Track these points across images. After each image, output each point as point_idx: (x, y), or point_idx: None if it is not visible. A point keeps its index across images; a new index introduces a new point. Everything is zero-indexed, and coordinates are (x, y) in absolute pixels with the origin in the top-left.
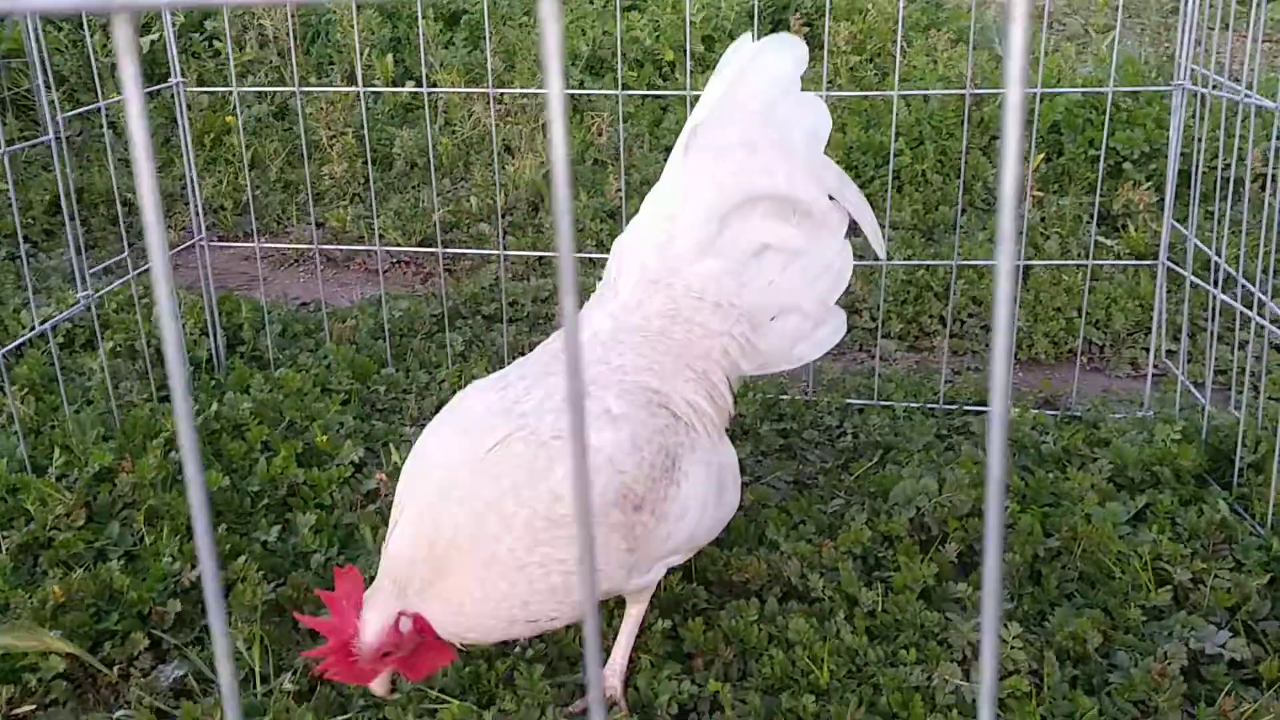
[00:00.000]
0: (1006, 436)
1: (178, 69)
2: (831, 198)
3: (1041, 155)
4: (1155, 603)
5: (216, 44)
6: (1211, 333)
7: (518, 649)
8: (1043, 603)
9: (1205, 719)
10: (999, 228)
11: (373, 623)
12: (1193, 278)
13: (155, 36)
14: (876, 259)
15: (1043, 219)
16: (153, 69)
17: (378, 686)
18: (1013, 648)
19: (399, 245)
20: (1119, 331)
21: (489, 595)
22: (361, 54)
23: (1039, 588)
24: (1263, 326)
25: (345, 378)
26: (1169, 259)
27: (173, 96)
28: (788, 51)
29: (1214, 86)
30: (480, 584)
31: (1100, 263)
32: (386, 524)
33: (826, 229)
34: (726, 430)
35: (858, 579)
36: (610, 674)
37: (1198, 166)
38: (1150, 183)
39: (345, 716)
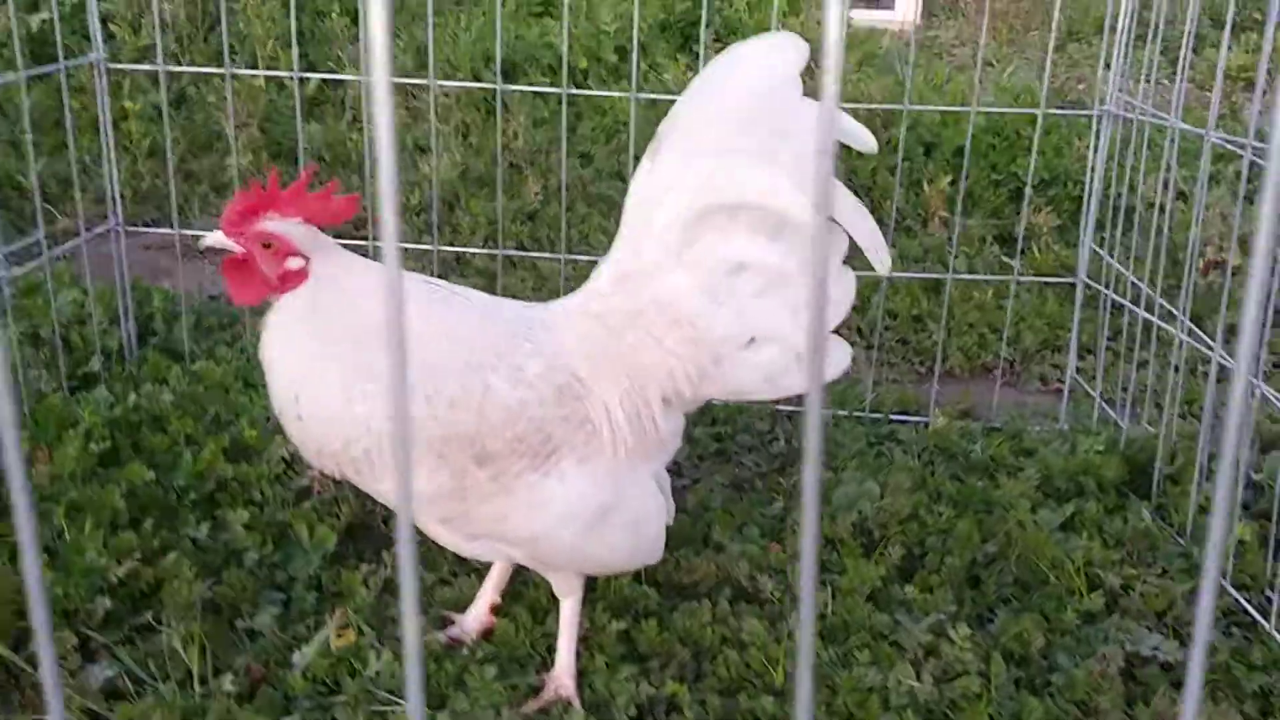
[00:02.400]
0: (936, 445)
1: (100, 42)
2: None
3: (948, 178)
4: (1089, 607)
5: (112, 26)
6: (1130, 349)
7: (467, 651)
8: (981, 606)
9: (1143, 719)
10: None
11: (288, 225)
12: (1115, 296)
13: (44, 16)
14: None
15: (949, 239)
16: (41, 49)
17: (214, 238)
18: (961, 649)
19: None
20: (1028, 348)
21: (333, 376)
22: (265, 45)
23: (978, 591)
24: (1178, 341)
25: None
26: (1085, 277)
27: (64, 77)
28: (776, 50)
29: (1140, 112)
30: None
31: (1023, 279)
32: (320, 521)
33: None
34: (666, 467)
35: None
36: (560, 672)
37: (1123, 191)
38: (1050, 207)
39: (289, 718)
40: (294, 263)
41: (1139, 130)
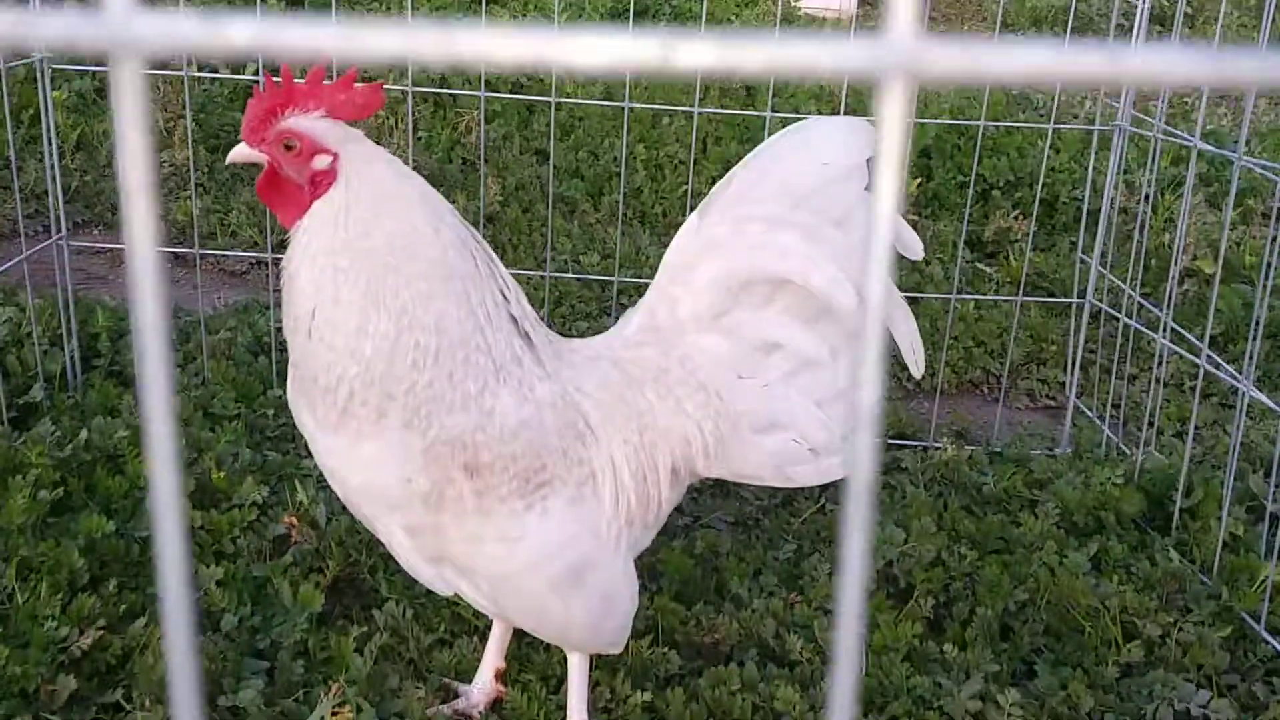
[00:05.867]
0: (944, 476)
1: None
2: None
3: (916, 180)
4: (1128, 658)
5: None
6: (1137, 374)
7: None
8: (1017, 659)
9: None
10: None
11: (308, 120)
12: (1127, 320)
13: None
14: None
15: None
16: None
17: (237, 152)
18: (1010, 715)
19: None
20: (1014, 362)
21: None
22: None
23: (1011, 643)
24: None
25: (230, 400)
26: (1093, 299)
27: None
28: (848, 135)
29: (1157, 130)
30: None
31: (1029, 299)
32: (304, 579)
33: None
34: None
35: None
36: None
37: (1141, 205)
38: (1017, 210)
39: None
40: (321, 161)
41: (1155, 149)
